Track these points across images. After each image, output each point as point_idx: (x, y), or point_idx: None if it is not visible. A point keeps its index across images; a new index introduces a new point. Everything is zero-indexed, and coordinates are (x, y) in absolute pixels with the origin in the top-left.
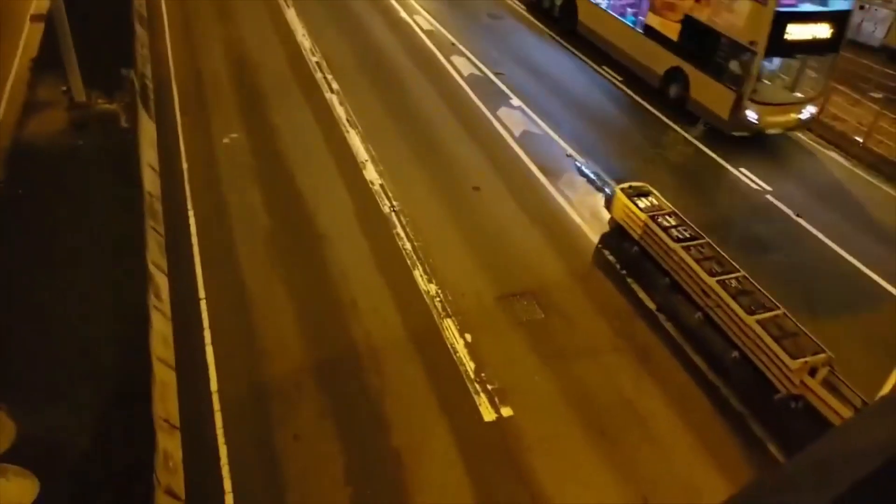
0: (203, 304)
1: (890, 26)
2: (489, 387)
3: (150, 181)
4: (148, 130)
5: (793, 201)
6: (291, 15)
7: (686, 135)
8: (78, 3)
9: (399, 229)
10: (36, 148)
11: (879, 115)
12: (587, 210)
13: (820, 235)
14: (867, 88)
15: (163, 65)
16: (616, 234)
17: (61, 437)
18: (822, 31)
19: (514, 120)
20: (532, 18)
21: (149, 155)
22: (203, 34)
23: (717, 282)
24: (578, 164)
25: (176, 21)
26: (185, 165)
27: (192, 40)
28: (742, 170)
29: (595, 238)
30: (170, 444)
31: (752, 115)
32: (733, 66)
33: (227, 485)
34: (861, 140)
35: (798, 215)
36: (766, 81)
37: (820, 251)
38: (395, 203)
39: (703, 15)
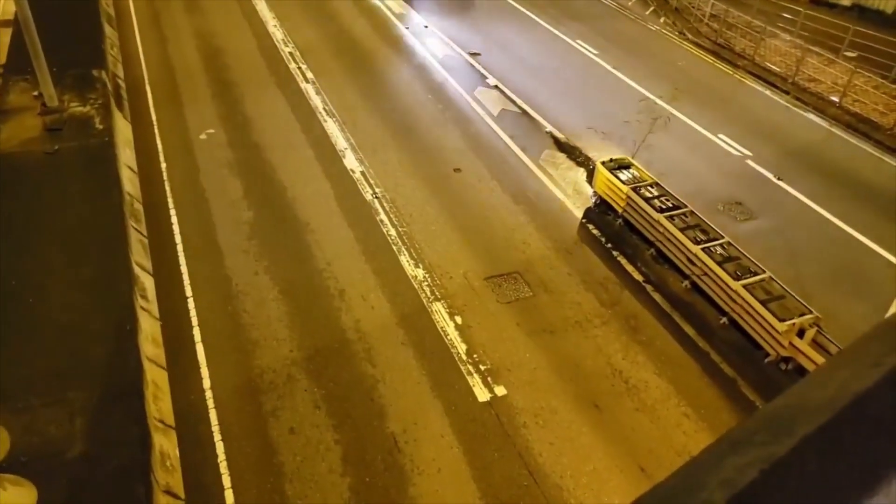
0: (191, 302)
1: None
2: (482, 367)
3: (129, 182)
4: (123, 131)
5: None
6: (262, 6)
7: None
8: (45, 6)
9: (383, 216)
10: (11, 155)
11: (854, 73)
12: (569, 185)
13: (801, 197)
14: (841, 48)
15: (134, 63)
16: (599, 208)
17: (56, 443)
18: None
19: (491, 99)
20: None
21: (126, 155)
22: (173, 30)
23: (703, 249)
24: (558, 140)
25: (145, 18)
26: (163, 164)
27: (162, 37)
28: (721, 136)
29: (579, 213)
30: (166, 444)
31: None
32: None
33: (227, 481)
34: (837, 100)
35: (779, 178)
36: None
37: (802, 212)
38: (377, 189)
39: None
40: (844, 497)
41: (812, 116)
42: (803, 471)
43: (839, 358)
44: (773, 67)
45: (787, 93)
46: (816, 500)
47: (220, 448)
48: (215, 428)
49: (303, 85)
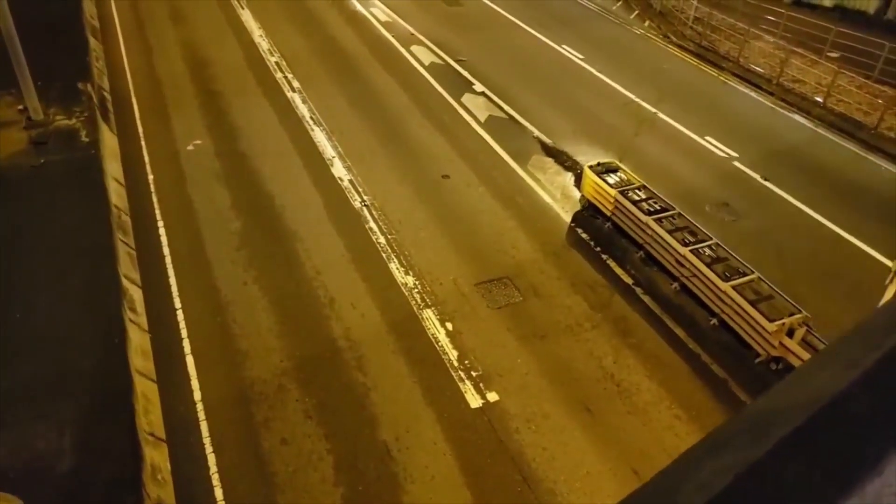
0: (180, 314)
1: None
2: (473, 373)
3: (117, 194)
4: (110, 143)
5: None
6: (247, 16)
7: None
8: (28, 19)
9: (371, 223)
10: None
11: (837, 74)
12: (558, 190)
13: (787, 197)
14: (824, 49)
15: (120, 75)
16: (588, 212)
17: (45, 458)
18: None
19: (478, 105)
20: (492, 4)
21: (113, 168)
22: (158, 41)
23: (691, 251)
24: (546, 145)
25: (129, 30)
26: (150, 176)
27: (147, 48)
28: (707, 138)
29: (567, 217)
30: (157, 457)
31: None
32: None
33: (219, 493)
34: (821, 100)
35: (765, 179)
36: None
37: (788, 212)
38: (365, 197)
39: None
40: (819, 499)
41: (797, 117)
42: (779, 474)
43: (818, 359)
44: (758, 69)
45: (771, 94)
46: (791, 503)
47: (211, 460)
48: (206, 440)
49: (289, 94)
